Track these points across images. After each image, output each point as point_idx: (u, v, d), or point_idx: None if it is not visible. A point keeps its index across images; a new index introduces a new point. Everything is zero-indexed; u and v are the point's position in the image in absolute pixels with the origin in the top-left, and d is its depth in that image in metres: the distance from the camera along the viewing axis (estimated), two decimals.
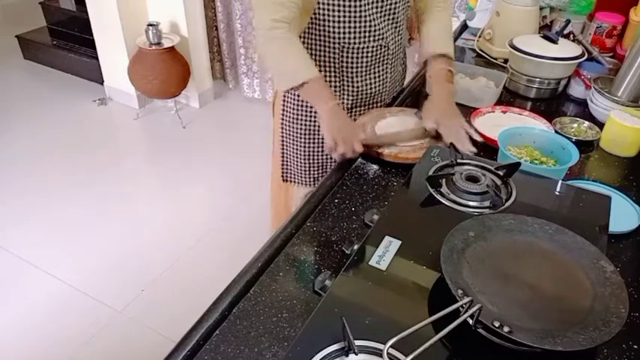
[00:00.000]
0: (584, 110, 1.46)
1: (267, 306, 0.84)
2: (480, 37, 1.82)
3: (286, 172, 1.55)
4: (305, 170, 1.50)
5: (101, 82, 3.49)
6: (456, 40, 1.91)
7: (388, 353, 0.59)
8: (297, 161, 1.49)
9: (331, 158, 1.45)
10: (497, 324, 0.63)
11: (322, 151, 1.44)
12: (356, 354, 0.63)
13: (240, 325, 0.81)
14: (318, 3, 1.21)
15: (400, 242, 0.81)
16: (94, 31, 3.25)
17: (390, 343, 0.60)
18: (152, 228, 2.47)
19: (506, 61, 1.66)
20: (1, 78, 3.70)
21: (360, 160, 1.21)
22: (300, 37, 1.29)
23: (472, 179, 0.93)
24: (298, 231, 0.99)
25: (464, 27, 1.99)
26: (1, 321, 2.00)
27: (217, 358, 0.76)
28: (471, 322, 0.65)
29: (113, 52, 3.24)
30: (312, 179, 1.51)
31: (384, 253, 0.78)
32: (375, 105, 1.43)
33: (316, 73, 1.20)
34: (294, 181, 1.55)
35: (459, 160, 0.99)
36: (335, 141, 1.16)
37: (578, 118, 1.37)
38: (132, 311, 2.04)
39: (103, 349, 1.90)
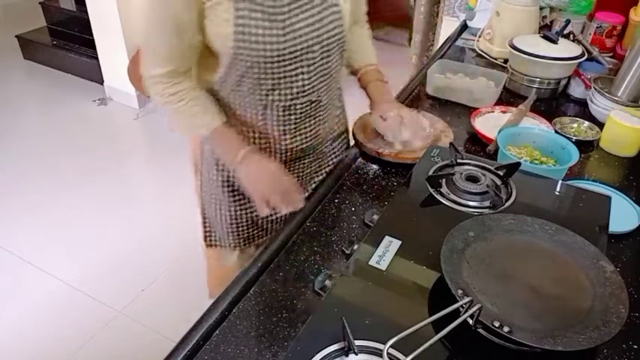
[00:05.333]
0: (584, 110, 1.46)
1: (267, 306, 0.84)
2: (479, 37, 1.81)
3: (209, 236, 1.32)
4: (232, 232, 1.27)
5: (101, 82, 3.49)
6: (455, 40, 1.91)
7: (388, 353, 0.59)
8: (221, 222, 1.26)
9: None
10: (497, 324, 0.63)
11: (251, 206, 1.22)
12: (356, 354, 0.63)
13: (240, 325, 0.81)
14: (235, 56, 0.98)
15: (400, 242, 0.80)
16: (94, 31, 3.25)
17: (390, 343, 0.60)
18: (152, 228, 2.47)
19: (506, 61, 1.66)
20: (1, 78, 3.70)
21: (360, 160, 1.21)
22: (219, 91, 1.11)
23: (472, 179, 0.93)
24: (298, 231, 0.99)
25: (464, 27, 1.98)
26: (1, 321, 2.00)
27: (217, 358, 0.76)
28: (471, 322, 0.65)
29: (113, 52, 3.24)
30: (241, 240, 1.28)
31: (384, 253, 0.78)
32: (311, 153, 1.23)
33: (214, 124, 1.07)
34: (221, 245, 1.31)
35: (459, 160, 0.99)
36: (265, 200, 1.05)
37: (578, 118, 1.37)
38: (132, 311, 2.04)
39: (103, 349, 1.90)
